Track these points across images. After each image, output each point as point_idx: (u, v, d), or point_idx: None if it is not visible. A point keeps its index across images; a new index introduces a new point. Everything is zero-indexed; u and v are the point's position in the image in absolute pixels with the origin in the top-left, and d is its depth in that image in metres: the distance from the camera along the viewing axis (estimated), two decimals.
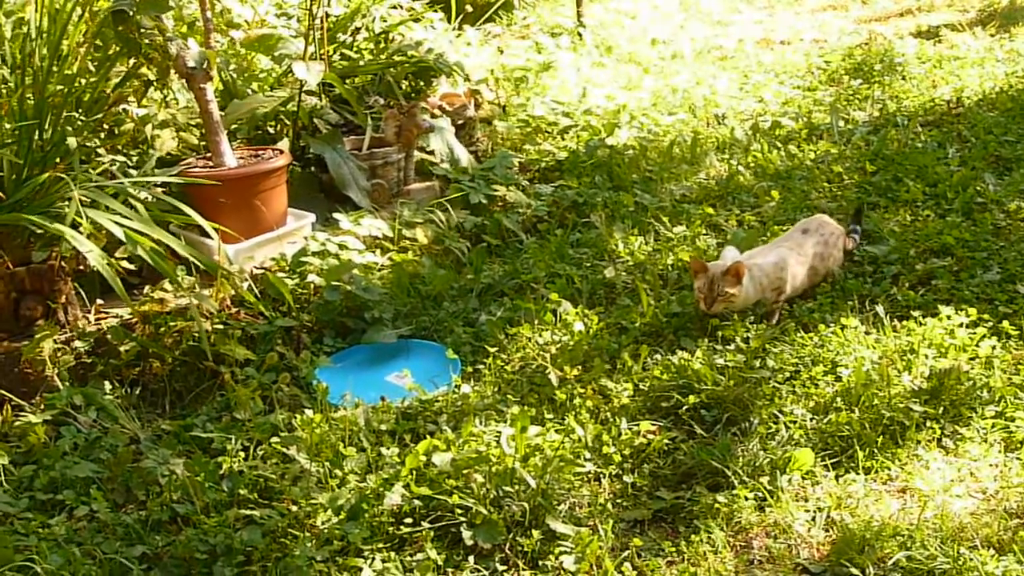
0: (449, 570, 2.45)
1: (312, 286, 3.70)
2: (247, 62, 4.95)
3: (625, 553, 2.47)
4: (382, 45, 5.41)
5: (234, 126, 4.41)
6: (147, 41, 3.69)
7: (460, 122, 5.15)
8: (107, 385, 3.22)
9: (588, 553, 2.43)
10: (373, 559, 2.45)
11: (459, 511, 2.54)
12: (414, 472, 2.66)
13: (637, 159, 5.04)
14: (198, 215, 3.43)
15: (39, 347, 3.19)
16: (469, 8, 7.39)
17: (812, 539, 2.50)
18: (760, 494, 2.62)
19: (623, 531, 2.60)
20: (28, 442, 2.95)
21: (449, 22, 6.45)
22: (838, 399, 2.93)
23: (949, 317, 3.25)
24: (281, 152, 4.11)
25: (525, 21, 8.04)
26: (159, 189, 3.67)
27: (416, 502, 2.58)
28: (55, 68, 3.57)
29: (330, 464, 2.76)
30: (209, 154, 3.97)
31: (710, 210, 4.37)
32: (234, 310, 3.56)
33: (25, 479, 2.82)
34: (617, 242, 4.15)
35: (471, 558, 2.47)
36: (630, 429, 2.89)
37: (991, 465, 2.69)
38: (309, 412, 2.99)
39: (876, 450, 2.76)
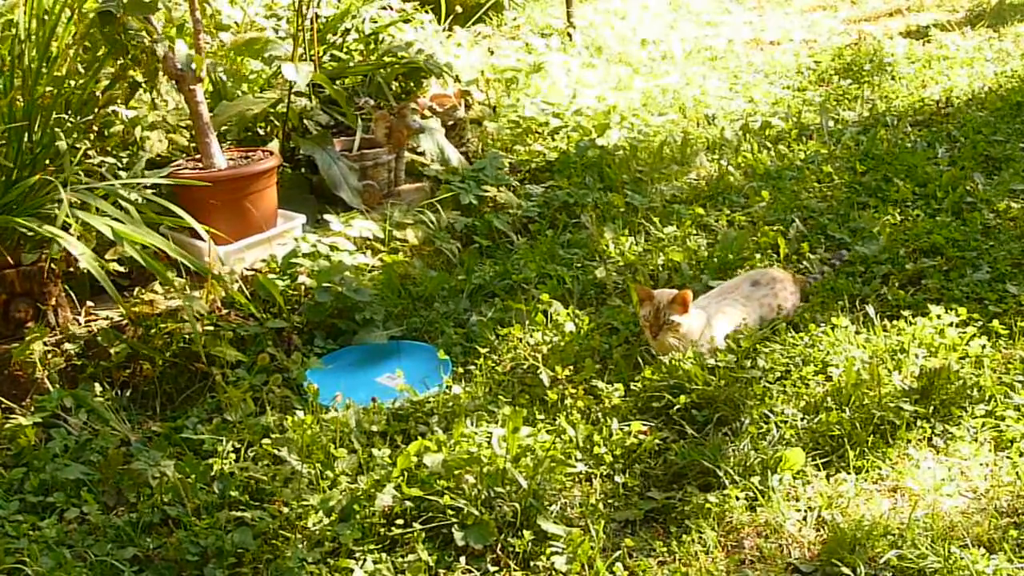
0: (440, 571, 2.45)
1: (303, 287, 3.69)
2: (237, 64, 4.94)
3: (616, 553, 2.47)
4: (372, 46, 5.40)
5: (224, 128, 4.40)
6: (134, 43, 3.68)
7: (450, 123, 5.15)
8: (97, 387, 3.22)
9: (579, 553, 2.43)
10: (364, 560, 2.45)
11: (450, 512, 2.54)
12: (405, 473, 2.66)
13: (627, 159, 5.04)
14: (188, 217, 3.42)
15: (29, 349, 3.18)
16: (459, 9, 7.38)
17: (803, 538, 2.50)
18: (751, 494, 2.63)
19: (614, 531, 2.60)
20: (18, 444, 2.95)
21: (439, 23, 6.44)
22: (828, 399, 2.94)
23: (939, 316, 3.25)
24: (271, 153, 4.10)
25: (515, 22, 8.03)
26: (149, 191, 3.67)
27: (407, 503, 2.58)
28: (44, 70, 3.55)
29: (321, 465, 2.76)
30: (199, 156, 3.96)
31: (700, 210, 4.38)
32: (224, 311, 3.56)
33: (15, 481, 2.82)
34: (608, 242, 4.15)
35: (462, 559, 2.47)
36: (621, 429, 2.89)
37: (981, 464, 2.69)
38: (300, 413, 2.99)
39: (867, 449, 2.77)
